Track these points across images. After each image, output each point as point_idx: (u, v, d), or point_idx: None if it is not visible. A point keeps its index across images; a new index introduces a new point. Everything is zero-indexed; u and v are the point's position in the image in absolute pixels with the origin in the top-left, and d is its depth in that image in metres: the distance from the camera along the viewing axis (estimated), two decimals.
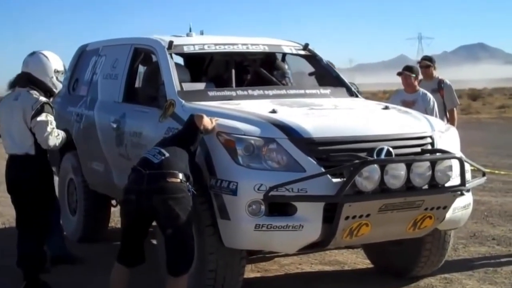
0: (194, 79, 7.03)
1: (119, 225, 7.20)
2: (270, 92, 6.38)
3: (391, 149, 5.12)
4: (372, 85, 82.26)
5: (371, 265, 6.60)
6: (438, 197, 5.19)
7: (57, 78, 5.96)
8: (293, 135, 5.07)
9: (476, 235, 7.94)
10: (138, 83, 7.37)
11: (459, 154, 5.38)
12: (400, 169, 4.96)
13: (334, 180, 4.93)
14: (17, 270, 5.83)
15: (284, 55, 7.50)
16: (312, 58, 7.18)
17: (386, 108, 6.02)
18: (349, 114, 5.79)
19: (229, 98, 6.13)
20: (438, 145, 5.46)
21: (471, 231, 8.09)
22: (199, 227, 5.16)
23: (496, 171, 12.36)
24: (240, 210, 4.91)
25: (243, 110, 5.59)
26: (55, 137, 5.83)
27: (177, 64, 6.77)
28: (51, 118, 5.80)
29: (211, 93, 6.21)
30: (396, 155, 5.13)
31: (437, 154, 5.29)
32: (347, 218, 4.90)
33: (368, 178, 4.88)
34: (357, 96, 6.79)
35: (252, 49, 6.95)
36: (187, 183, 4.85)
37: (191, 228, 4.94)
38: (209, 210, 5.13)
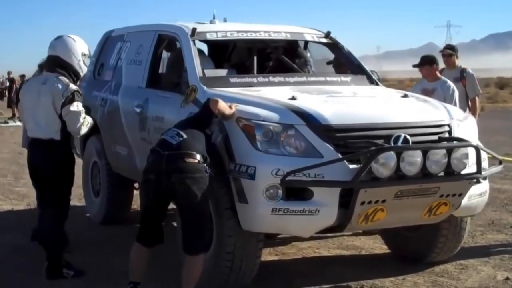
0: (218, 66, 7.14)
1: None
2: (291, 79, 6.47)
3: (408, 136, 5.20)
4: (399, 73, 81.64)
5: (388, 251, 6.69)
6: (453, 184, 5.27)
7: (83, 61, 6.07)
8: (311, 121, 5.17)
9: (494, 222, 7.99)
10: (161, 69, 7.50)
11: (475, 142, 5.44)
12: (416, 156, 5.04)
13: (351, 166, 5.03)
14: (41, 251, 5.99)
15: (306, 43, 7.58)
16: (334, 46, 7.24)
17: (405, 96, 6.09)
18: (367, 102, 5.88)
19: (250, 84, 6.23)
20: (455, 134, 5.53)
21: (489, 218, 8.15)
22: (218, 210, 5.29)
23: None
24: (258, 194, 5.02)
25: (263, 96, 5.69)
26: (86, 125, 5.97)
27: (199, 51, 6.89)
28: (81, 107, 5.92)
29: (232, 80, 6.31)
30: (414, 142, 5.21)
31: (454, 142, 5.36)
32: (362, 203, 5.00)
33: (384, 164, 4.97)
34: (377, 84, 6.86)
35: (274, 36, 7.03)
36: (204, 164, 4.98)
37: (208, 207, 5.08)
38: (228, 194, 5.25)
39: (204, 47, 7.83)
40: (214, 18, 7.32)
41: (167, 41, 7.10)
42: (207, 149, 5.08)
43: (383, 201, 5.07)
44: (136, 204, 8.50)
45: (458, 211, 5.55)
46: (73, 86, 5.87)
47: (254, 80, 6.38)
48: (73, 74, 5.98)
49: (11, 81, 29.47)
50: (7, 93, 30.31)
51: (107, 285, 5.74)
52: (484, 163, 5.54)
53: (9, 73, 31.45)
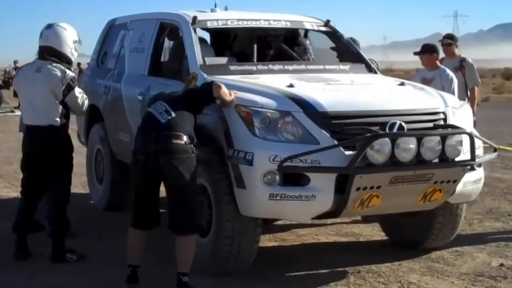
0: (220, 54, 7.22)
1: None
2: (290, 67, 6.56)
3: (403, 123, 5.28)
4: (406, 63, 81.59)
5: (385, 238, 6.78)
6: (447, 171, 5.36)
7: (75, 48, 6.19)
8: (308, 108, 5.26)
9: (492, 211, 8.08)
10: (163, 57, 7.59)
11: (469, 129, 5.53)
12: (410, 143, 5.13)
13: (347, 152, 5.12)
14: (45, 238, 6.11)
15: (306, 31, 7.66)
16: (333, 34, 7.32)
17: (402, 84, 6.18)
18: (364, 89, 5.97)
19: (250, 72, 6.32)
20: (450, 121, 5.61)
21: (488, 207, 8.24)
22: (217, 195, 5.40)
23: None
24: (256, 180, 5.12)
25: (262, 84, 5.79)
26: (86, 105, 6.25)
27: (201, 39, 6.98)
28: (80, 89, 6.10)
29: (232, 67, 6.40)
30: (409, 129, 5.30)
31: (448, 129, 5.45)
32: (358, 189, 5.09)
33: (379, 151, 5.06)
34: (375, 73, 6.95)
35: (274, 25, 7.11)
36: (191, 145, 5.10)
37: (196, 188, 5.19)
38: (227, 180, 5.35)
39: (207, 36, 7.92)
40: (215, 6, 7.41)
41: (169, 29, 7.18)
42: (195, 129, 5.20)
43: (378, 187, 5.16)
44: None
45: (453, 197, 5.64)
46: (70, 72, 6.02)
47: (254, 68, 6.48)
48: (66, 62, 6.09)
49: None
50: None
51: (109, 269, 5.85)
52: (479, 151, 5.63)
53: (15, 62, 31.57)
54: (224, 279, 5.55)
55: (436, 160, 5.26)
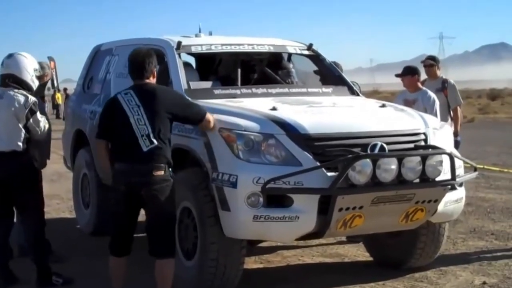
0: (205, 78, 7.30)
1: None
2: (273, 91, 6.66)
3: (384, 144, 5.37)
4: (392, 85, 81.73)
5: (370, 258, 6.85)
6: (428, 190, 5.44)
7: (35, 76, 6.25)
8: (291, 131, 5.34)
9: (476, 230, 8.16)
10: None
11: (449, 150, 5.62)
12: (391, 164, 5.21)
13: (329, 174, 5.20)
14: (29, 262, 6.13)
15: (289, 55, 7.76)
16: (316, 58, 7.44)
17: (383, 106, 6.28)
18: (346, 112, 6.06)
19: (234, 96, 6.41)
20: (431, 142, 5.71)
21: (471, 226, 8.32)
22: (202, 218, 5.46)
23: (505, 170, 12.51)
24: (240, 202, 5.19)
25: (245, 107, 5.87)
26: (48, 129, 6.22)
27: (185, 63, 7.06)
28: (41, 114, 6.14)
29: (216, 91, 6.49)
30: (390, 150, 5.38)
31: (429, 149, 5.55)
32: (340, 209, 5.16)
33: (361, 172, 5.14)
34: (358, 95, 7.05)
35: (258, 49, 7.22)
36: (170, 169, 5.19)
37: (174, 213, 5.30)
38: (211, 202, 5.42)
39: (193, 61, 8.01)
40: (200, 31, 7.51)
41: None
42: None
43: (361, 207, 5.24)
44: None
45: (434, 217, 5.72)
46: (32, 97, 6.07)
47: (238, 91, 6.56)
48: (27, 89, 6.14)
49: None
50: None
51: None
52: (460, 170, 5.73)
53: None
54: None
55: (417, 180, 5.35)
